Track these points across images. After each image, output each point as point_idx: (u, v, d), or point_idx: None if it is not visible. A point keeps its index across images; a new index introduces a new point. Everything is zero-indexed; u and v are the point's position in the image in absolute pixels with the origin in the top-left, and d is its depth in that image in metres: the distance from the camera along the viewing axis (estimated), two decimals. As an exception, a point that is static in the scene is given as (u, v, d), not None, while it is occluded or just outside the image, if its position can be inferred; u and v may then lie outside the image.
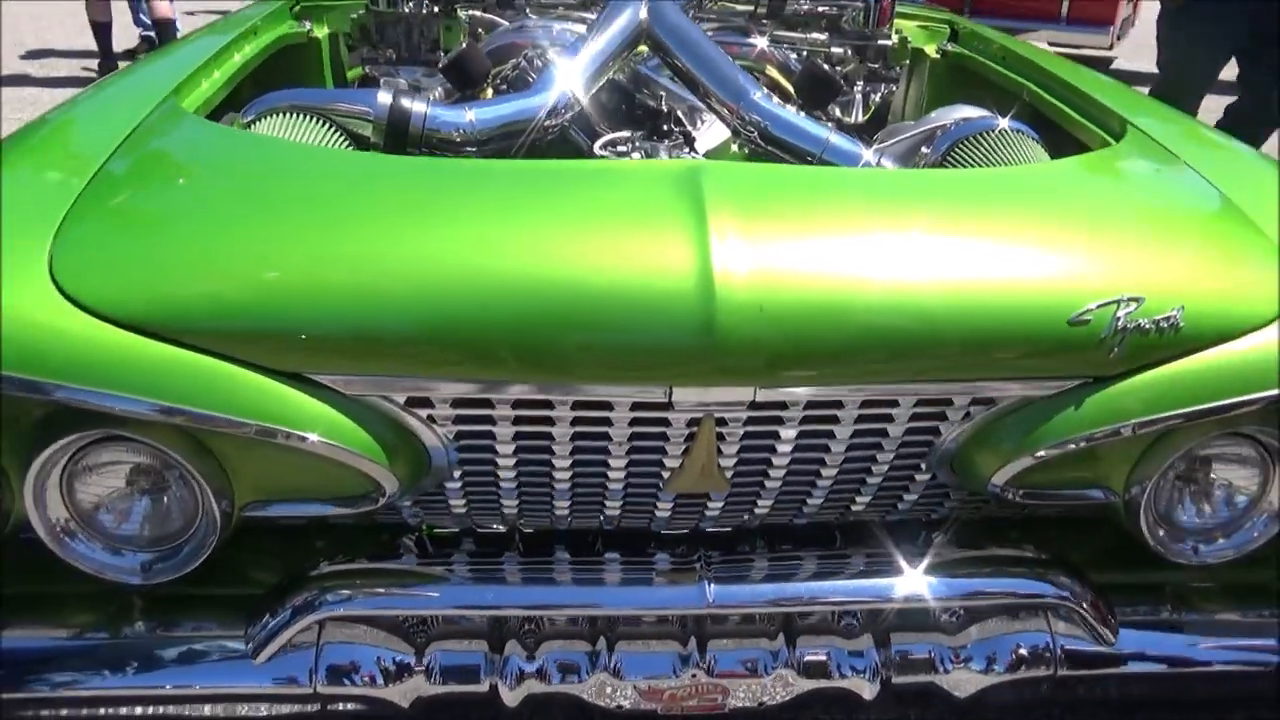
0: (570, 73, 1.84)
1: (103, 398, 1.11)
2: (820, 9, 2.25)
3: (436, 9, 2.23)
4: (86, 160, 1.36)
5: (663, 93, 2.09)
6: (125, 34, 7.22)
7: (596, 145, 1.82)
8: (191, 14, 8.92)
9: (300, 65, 2.37)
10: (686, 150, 1.84)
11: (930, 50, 2.51)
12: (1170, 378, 1.23)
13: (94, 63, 6.74)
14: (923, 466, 1.34)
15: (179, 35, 6.76)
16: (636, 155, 1.78)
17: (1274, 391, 1.22)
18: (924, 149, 1.84)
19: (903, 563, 1.37)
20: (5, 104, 5.92)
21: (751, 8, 2.20)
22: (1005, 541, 1.44)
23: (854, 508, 1.41)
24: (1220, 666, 1.41)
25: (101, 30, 6.46)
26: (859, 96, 2.34)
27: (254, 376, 1.15)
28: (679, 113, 2.09)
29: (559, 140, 1.88)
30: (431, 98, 2.19)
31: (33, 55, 7.50)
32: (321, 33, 2.41)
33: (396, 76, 2.24)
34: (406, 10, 2.20)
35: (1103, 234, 1.33)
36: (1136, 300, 1.21)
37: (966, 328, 1.19)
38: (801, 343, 1.16)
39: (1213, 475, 1.34)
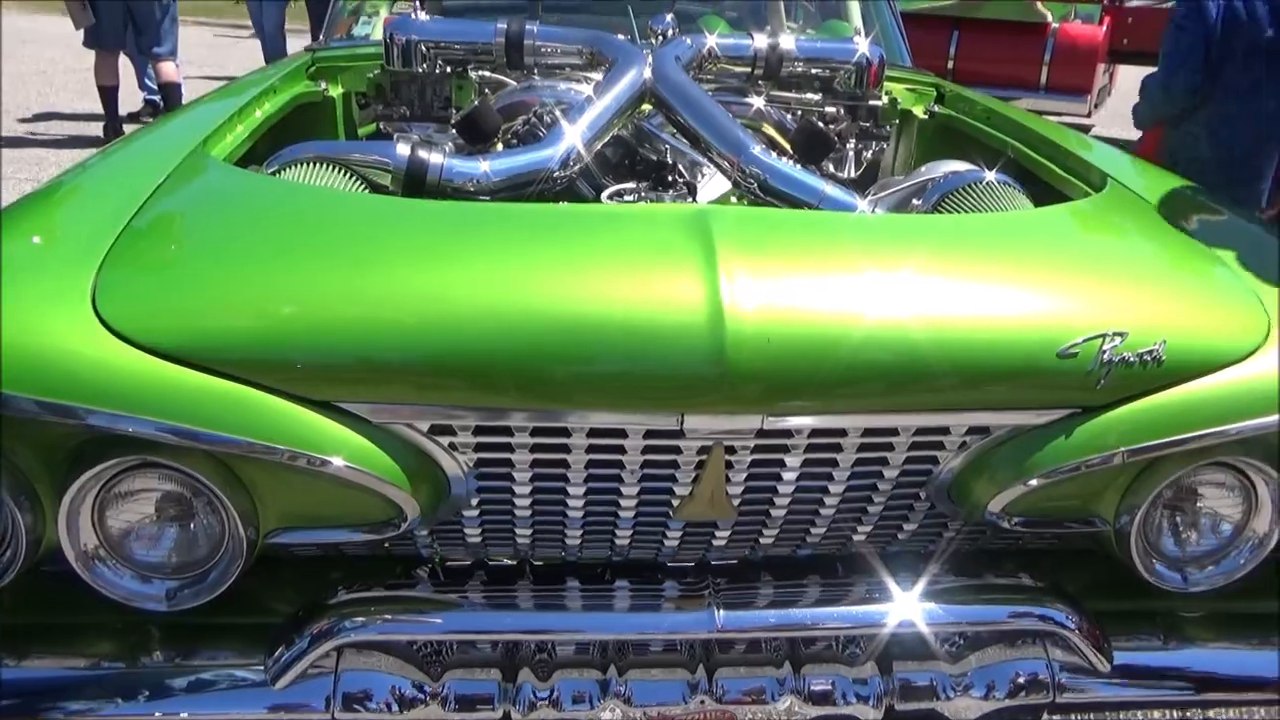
0: (578, 127, 1.93)
1: (137, 423, 1.16)
2: (814, 71, 2.36)
3: (449, 69, 2.33)
4: (124, 201, 1.43)
5: (665, 147, 2.18)
6: (131, 98, 7.40)
7: (604, 195, 1.90)
8: (189, 77, 9.14)
9: (316, 122, 2.47)
10: (690, 199, 1.92)
11: (918, 111, 2.62)
12: (1156, 408, 1.30)
13: (98, 125, 6.89)
14: (922, 495, 1.39)
15: (184, 98, 6.93)
16: (643, 204, 1.86)
17: (1253, 421, 1.28)
18: (915, 200, 1.93)
19: (903, 590, 1.42)
20: (9, 163, 6.03)
21: (749, 70, 2.30)
22: (1001, 571, 1.48)
23: (855, 537, 1.46)
24: (1216, 694, 1.45)
25: (108, 93, 6.62)
26: (851, 153, 2.45)
27: (283, 404, 1.20)
28: (681, 166, 2.18)
29: (566, 192, 1.97)
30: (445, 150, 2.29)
31: (38, 118, 7.66)
32: (336, 92, 2.52)
33: (410, 132, 2.33)
34: (421, 70, 2.30)
35: (1087, 274, 1.41)
36: (1121, 334, 1.28)
37: (960, 359, 1.26)
38: (806, 373, 1.23)
39: (1199, 504, 1.40)
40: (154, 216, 1.41)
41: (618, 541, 1.43)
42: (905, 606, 1.39)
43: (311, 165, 1.75)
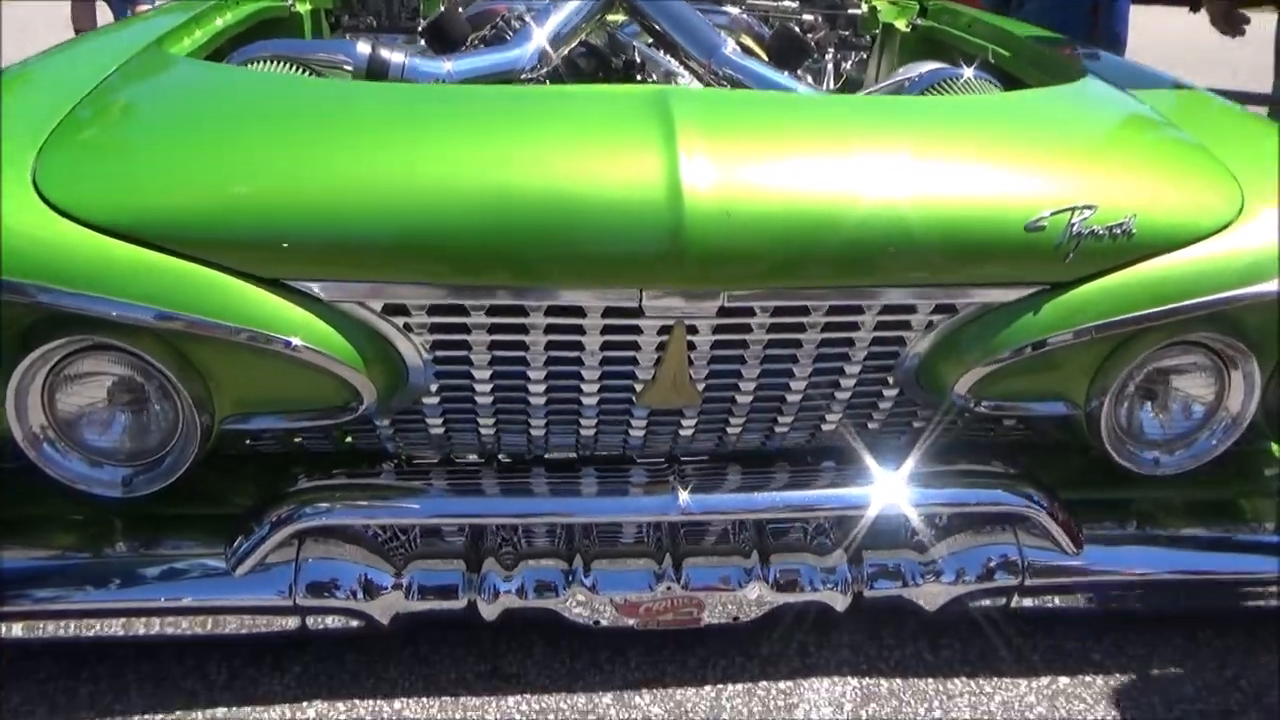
0: (546, 29, 1.88)
1: (85, 300, 1.14)
2: (792, -22, 2.31)
3: None
4: (72, 88, 1.39)
5: (638, 56, 2.14)
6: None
7: (572, 97, 1.86)
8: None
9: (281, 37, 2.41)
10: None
11: (901, 25, 2.57)
12: (1125, 283, 1.27)
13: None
14: (890, 380, 1.37)
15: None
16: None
17: (1224, 294, 1.26)
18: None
19: (873, 474, 1.40)
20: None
21: (724, -24, 2.26)
22: (974, 459, 1.47)
23: (825, 427, 1.44)
24: (1185, 578, 1.45)
25: (85, 39, 6.52)
26: (829, 64, 2.40)
27: (237, 283, 1.18)
28: (653, 75, 2.14)
29: None
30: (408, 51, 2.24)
31: (16, 66, 7.53)
32: (304, 8, 2.45)
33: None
34: (386, -23, 2.25)
35: (1057, 151, 1.38)
36: (1090, 208, 1.26)
37: (926, 234, 1.23)
38: (767, 246, 1.20)
39: (1170, 386, 1.38)
40: (101, 101, 1.37)
41: (583, 432, 1.41)
42: (874, 490, 1.38)
43: (269, 63, 1.71)
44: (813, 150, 1.29)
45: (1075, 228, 1.25)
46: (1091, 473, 1.50)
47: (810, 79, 2.39)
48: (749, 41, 2.31)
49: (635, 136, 1.25)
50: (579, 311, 1.23)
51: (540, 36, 1.86)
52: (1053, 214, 1.25)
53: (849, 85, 2.51)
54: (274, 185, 1.20)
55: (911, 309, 1.29)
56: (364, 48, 1.75)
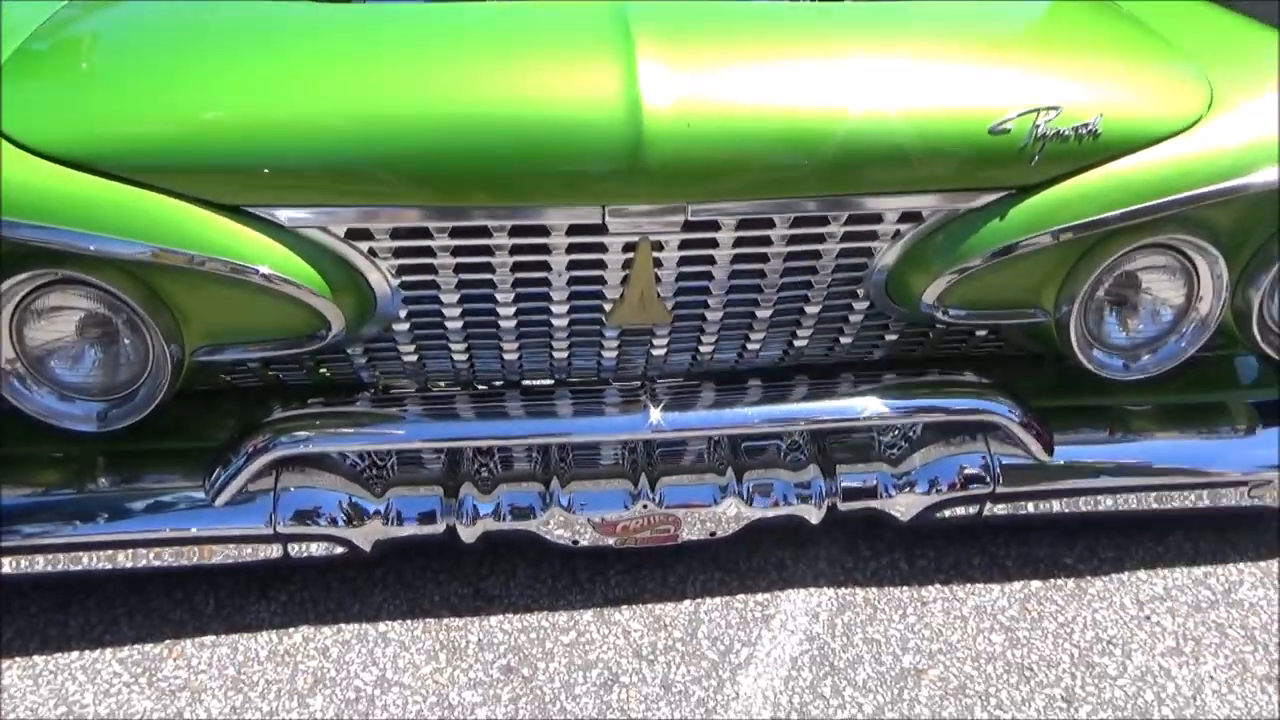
0: None
1: (52, 233, 1.13)
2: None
3: None
4: (24, 19, 1.37)
5: None
6: None
7: None
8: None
9: None
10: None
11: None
12: (1092, 185, 1.27)
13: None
14: (859, 293, 1.37)
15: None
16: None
17: (1190, 193, 1.25)
18: None
19: (845, 387, 1.41)
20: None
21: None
22: (946, 369, 1.48)
23: (797, 343, 1.45)
24: (1156, 481, 1.46)
25: None
26: None
27: (200, 212, 1.17)
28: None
29: None
30: None
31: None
32: None
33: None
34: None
35: (1022, 54, 1.36)
36: (1054, 109, 1.24)
37: (888, 139, 1.22)
38: (728, 156, 1.19)
39: (1139, 289, 1.38)
40: (54, 32, 1.35)
41: (555, 354, 1.42)
42: (844, 403, 1.39)
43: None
44: (772, 61, 1.27)
45: (1040, 129, 1.24)
46: (1064, 382, 1.51)
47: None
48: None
49: (593, 51, 1.23)
50: (543, 230, 1.23)
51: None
52: (1017, 115, 1.24)
53: None
54: (231, 111, 1.18)
55: (877, 218, 1.28)
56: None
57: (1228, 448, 1.48)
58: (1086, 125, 1.25)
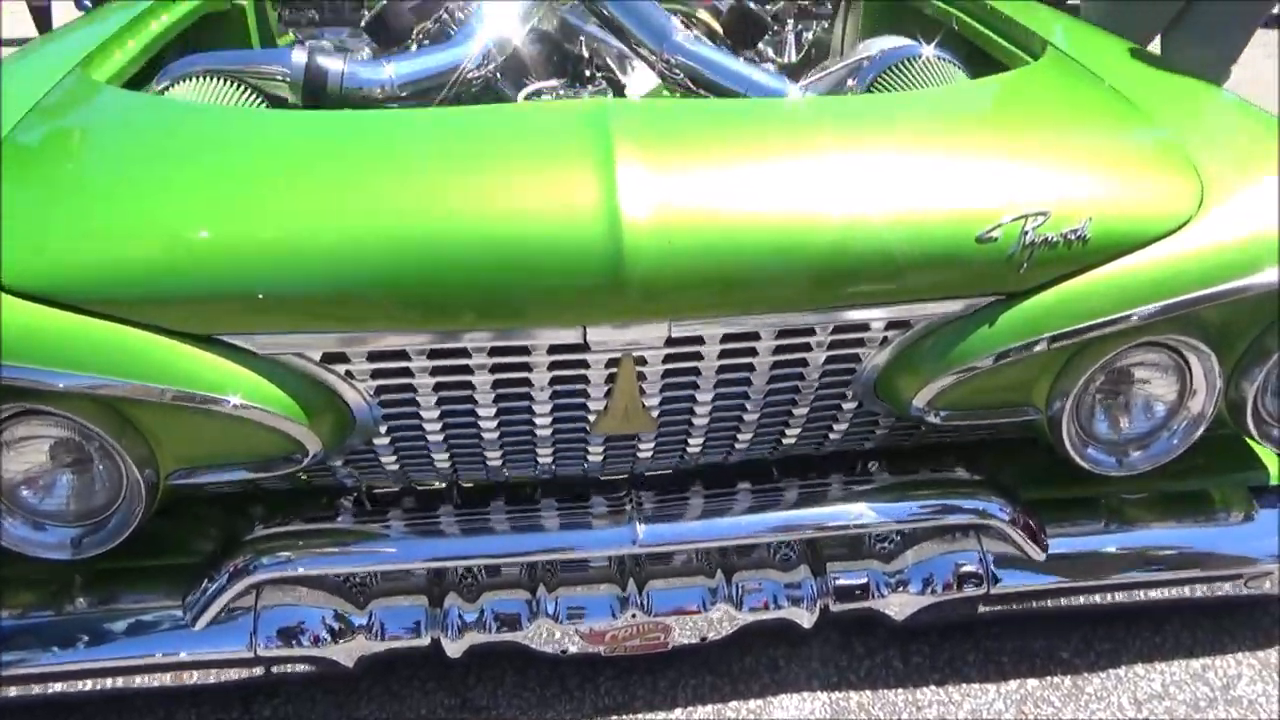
0: (492, 23, 1.81)
1: (16, 371, 1.10)
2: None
3: None
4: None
5: (592, 40, 2.07)
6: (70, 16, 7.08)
7: (520, 95, 1.80)
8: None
9: (225, 34, 2.32)
10: (611, 96, 1.82)
11: (863, -14, 2.49)
12: (1082, 290, 1.24)
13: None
14: (848, 394, 1.35)
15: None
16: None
17: (1184, 297, 1.23)
18: (850, 80, 1.83)
19: (835, 491, 1.39)
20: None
21: (677, -50, 2.17)
22: (936, 465, 1.46)
23: (785, 440, 1.42)
24: (1152, 573, 1.44)
25: (40, 14, 6.30)
26: (790, 36, 2.32)
27: (168, 343, 1.14)
28: (608, 59, 2.07)
29: (484, 92, 1.86)
30: (357, 57, 2.17)
31: (-27, 45, 7.33)
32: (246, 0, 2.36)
33: (321, 38, 2.21)
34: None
35: (1008, 151, 1.33)
36: (1042, 214, 1.22)
37: (874, 251, 1.19)
38: (710, 275, 1.16)
39: (1132, 386, 1.36)
40: (16, 147, 1.31)
41: (540, 460, 1.39)
42: (835, 509, 1.36)
43: (203, 79, 1.64)
44: (754, 167, 1.25)
45: (1028, 237, 1.21)
46: (1055, 468, 1.48)
47: (771, 51, 2.33)
48: (706, 17, 2.23)
49: (570, 166, 1.20)
50: (523, 350, 1.20)
51: (484, 33, 1.79)
52: (1005, 223, 1.21)
53: (811, 55, 2.43)
54: (198, 239, 1.15)
55: (864, 326, 1.26)
56: (300, 56, 1.68)
57: (1225, 537, 1.46)
58: (1075, 230, 1.22)
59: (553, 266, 1.15)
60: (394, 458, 1.36)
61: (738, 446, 1.42)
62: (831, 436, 1.44)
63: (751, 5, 2.08)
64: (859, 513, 1.36)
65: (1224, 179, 1.31)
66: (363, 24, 2.05)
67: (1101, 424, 1.38)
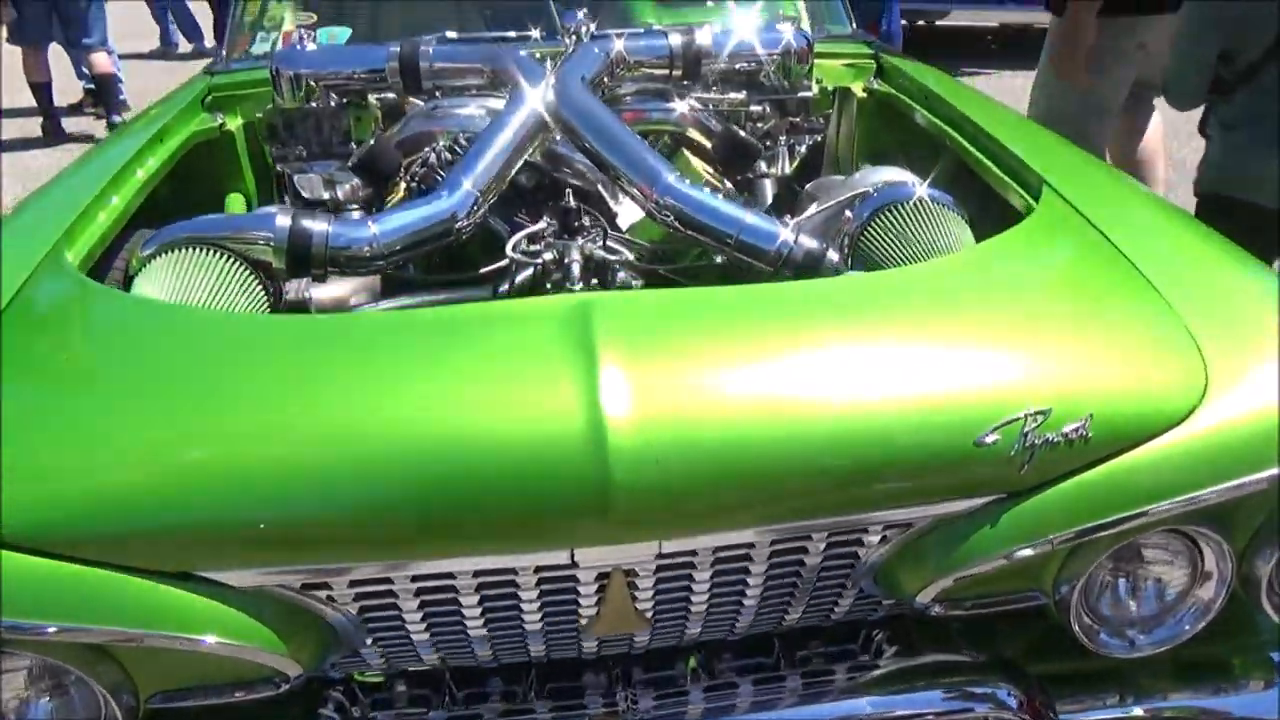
0: (476, 170, 1.79)
1: None
2: (737, 66, 2.20)
3: (345, 101, 2.17)
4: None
5: (580, 169, 2.05)
6: (72, 85, 7.11)
7: (509, 245, 1.77)
8: (138, 55, 8.81)
9: (216, 161, 2.32)
10: (601, 244, 1.79)
11: (857, 89, 2.47)
12: (1087, 487, 1.20)
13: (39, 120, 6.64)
14: (847, 585, 1.31)
15: (122, 87, 6.66)
16: (549, 255, 1.74)
17: (1190, 495, 1.19)
18: (847, 212, 1.80)
19: (840, 681, 1.35)
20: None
21: (667, 71, 2.14)
22: (942, 641, 1.41)
23: (788, 620, 1.38)
24: (1167, 752, 1.39)
25: (40, 90, 6.36)
26: (783, 150, 2.30)
27: (137, 582, 1.11)
28: (601, 187, 2.05)
29: (475, 229, 1.84)
30: (344, 204, 2.15)
31: (-24, 119, 7.39)
32: (235, 124, 2.35)
33: (310, 171, 2.19)
34: (313, 105, 2.14)
35: (1003, 339, 1.29)
36: (1042, 413, 1.18)
37: (866, 460, 1.16)
38: (701, 495, 1.13)
39: (1141, 569, 1.32)
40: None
41: (533, 651, 1.35)
42: (840, 703, 1.32)
43: (186, 250, 1.62)
44: (748, 371, 1.21)
45: (1028, 438, 1.17)
46: (1065, 640, 1.43)
47: (765, 165, 2.30)
48: (697, 135, 2.21)
49: (552, 373, 1.17)
50: (510, 571, 1.17)
51: (470, 181, 1.77)
52: (1003, 424, 1.17)
53: (809, 163, 2.41)
54: (164, 472, 1.12)
55: (862, 529, 1.22)
56: (283, 220, 1.66)
57: (1247, 705, 1.41)
58: (1076, 429, 1.18)
59: (537, 492, 1.12)
60: (381, 660, 1.32)
61: (737, 629, 1.38)
62: (833, 616, 1.40)
63: (741, 133, 2.05)
64: (863, 708, 1.31)
65: (1227, 360, 1.27)
66: (350, 164, 2.03)
67: (1110, 607, 1.33)
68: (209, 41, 8.96)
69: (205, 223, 1.69)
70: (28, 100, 6.73)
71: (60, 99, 6.72)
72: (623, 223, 2.08)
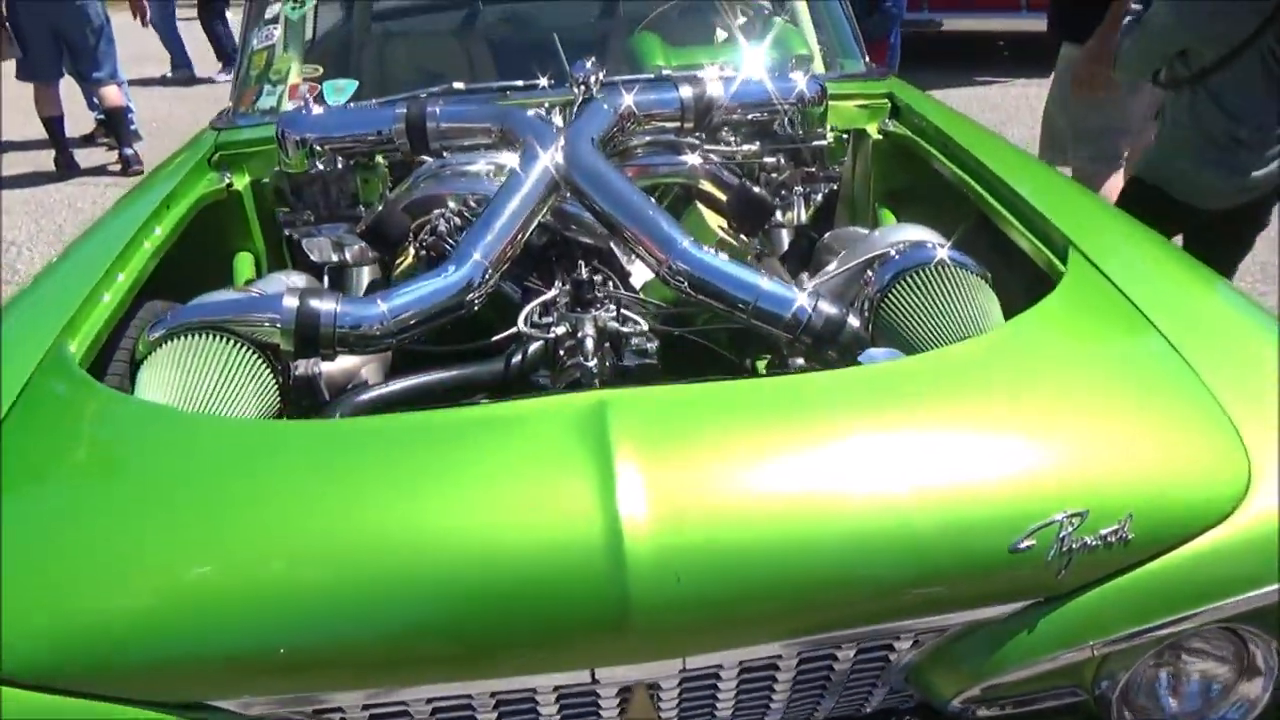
0: (487, 238, 1.75)
1: None
2: (750, 116, 2.15)
3: (351, 163, 2.14)
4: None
5: (591, 224, 2.01)
6: (85, 116, 7.12)
7: (520, 318, 1.74)
8: (151, 80, 8.83)
9: (224, 221, 2.29)
10: (615, 314, 1.75)
11: (872, 130, 2.42)
12: (1128, 590, 1.15)
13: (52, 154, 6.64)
14: (878, 684, 1.27)
15: (133, 117, 6.67)
16: (562, 329, 1.70)
17: (1238, 597, 1.14)
18: (868, 272, 1.76)
19: None
20: (-37, 210, 5.84)
21: (678, 123, 2.10)
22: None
23: (815, 717, 1.34)
24: None
25: (52, 124, 6.37)
26: (799, 199, 2.25)
27: (146, 715, 1.07)
28: (614, 245, 2.01)
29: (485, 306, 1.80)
30: (349, 255, 2.12)
31: (-11, 153, 7.42)
32: (242, 183, 2.33)
33: (318, 235, 2.16)
34: (320, 166, 2.11)
35: (1038, 431, 1.24)
36: (1079, 515, 1.13)
37: (897, 570, 1.12)
38: (725, 612, 1.09)
39: (1184, 665, 1.26)
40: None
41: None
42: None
43: (193, 337, 1.59)
44: (768, 463, 1.17)
45: (1065, 542, 1.13)
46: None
47: (780, 215, 2.26)
48: (709, 187, 2.17)
49: (568, 483, 1.14)
50: (529, 690, 1.13)
51: (479, 252, 1.73)
52: (1039, 528, 1.13)
53: (821, 215, 2.37)
54: (174, 598, 1.09)
55: (893, 635, 1.18)
56: (290, 302, 1.63)
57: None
58: (1115, 531, 1.14)
59: (554, 613, 1.08)
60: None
61: (765, 724, 1.34)
62: (866, 710, 1.35)
63: (755, 189, 2.01)
64: None
65: (1270, 446, 1.22)
66: (359, 231, 2.00)
67: (1151, 702, 1.28)
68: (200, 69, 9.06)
69: (210, 306, 1.66)
70: (39, 132, 6.74)
71: (72, 127, 6.73)
72: (636, 281, 2.05)
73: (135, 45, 8.36)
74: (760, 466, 1.18)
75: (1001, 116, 6.88)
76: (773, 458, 1.19)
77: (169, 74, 9.11)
